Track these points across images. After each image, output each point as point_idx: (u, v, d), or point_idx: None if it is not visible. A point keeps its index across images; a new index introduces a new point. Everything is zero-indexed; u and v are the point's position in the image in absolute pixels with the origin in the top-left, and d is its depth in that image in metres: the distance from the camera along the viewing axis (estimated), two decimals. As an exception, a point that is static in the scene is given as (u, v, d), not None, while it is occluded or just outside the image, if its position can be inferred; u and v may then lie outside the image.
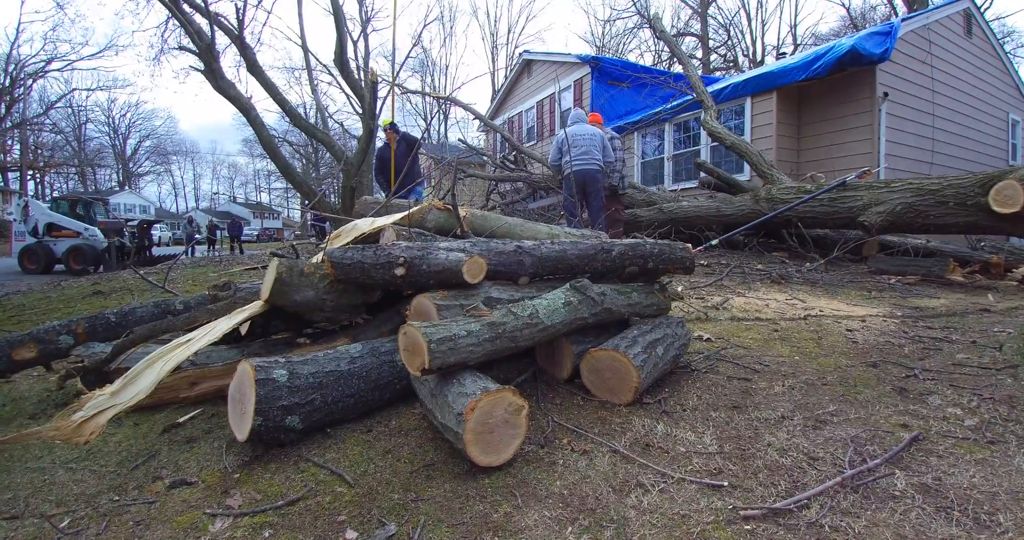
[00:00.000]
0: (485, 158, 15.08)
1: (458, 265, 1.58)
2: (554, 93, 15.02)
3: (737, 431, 1.46)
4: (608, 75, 12.93)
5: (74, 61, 30.27)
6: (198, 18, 7.32)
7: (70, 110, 40.22)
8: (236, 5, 7.07)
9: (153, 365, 1.39)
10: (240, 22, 7.18)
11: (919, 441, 1.37)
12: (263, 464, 1.35)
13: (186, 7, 7.24)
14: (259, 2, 13.31)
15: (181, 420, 1.59)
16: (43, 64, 29.97)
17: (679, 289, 3.50)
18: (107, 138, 52.83)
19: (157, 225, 20.42)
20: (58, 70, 30.96)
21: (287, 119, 10.11)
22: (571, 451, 1.37)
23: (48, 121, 37.54)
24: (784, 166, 8.21)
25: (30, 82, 30.95)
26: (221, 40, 7.93)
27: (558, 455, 1.36)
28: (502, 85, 19.15)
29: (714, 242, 4.95)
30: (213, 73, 6.92)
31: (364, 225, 2.05)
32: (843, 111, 7.52)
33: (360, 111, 9.80)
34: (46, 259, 12.00)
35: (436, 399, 1.38)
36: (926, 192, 4.42)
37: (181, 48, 6.90)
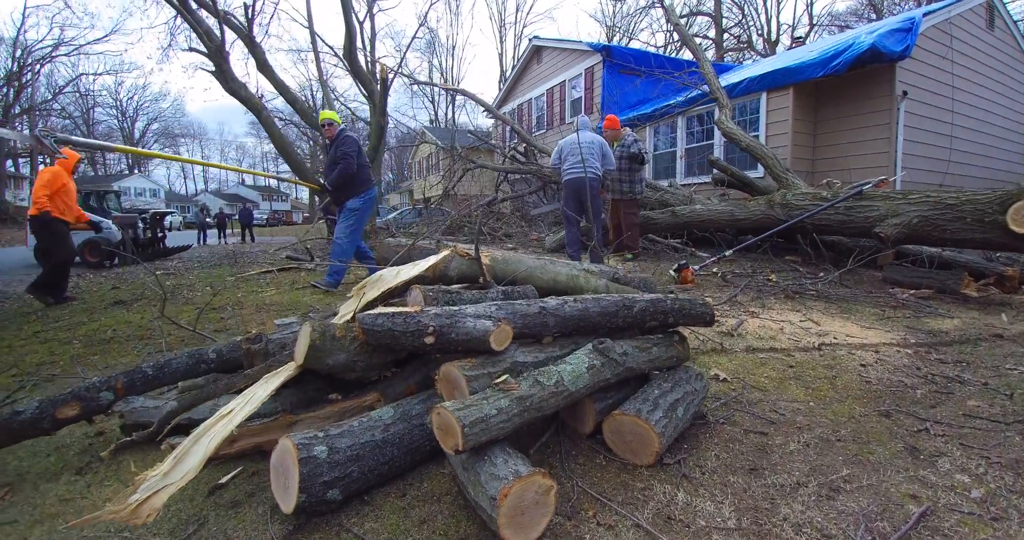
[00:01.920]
0: (495, 145, 14.92)
1: (485, 335, 1.64)
2: (564, 81, 14.80)
3: (754, 500, 1.53)
4: (620, 64, 12.72)
5: (81, 46, 30.11)
6: (206, 16, 7.25)
7: (78, 94, 40.14)
8: (245, 3, 6.98)
9: (199, 441, 1.47)
10: (249, 21, 7.11)
11: (927, 516, 1.43)
12: (306, 534, 1.44)
13: (193, 4, 7.17)
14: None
15: (223, 480, 1.68)
16: (50, 49, 29.84)
17: (693, 312, 3.53)
18: (115, 121, 52.78)
19: (168, 215, 20.52)
20: (65, 55, 30.81)
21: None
22: (596, 525, 1.44)
23: (57, 106, 37.54)
24: (800, 164, 8.12)
25: (38, 67, 30.87)
26: (229, 35, 7.86)
27: (584, 528, 1.43)
28: (511, 71, 18.85)
29: (728, 253, 4.97)
30: (224, 74, 6.88)
31: (389, 277, 2.10)
32: (860, 108, 7.39)
33: (368, 101, 9.75)
34: None
35: (468, 473, 1.45)
36: (943, 206, 4.38)
37: (191, 49, 6.86)
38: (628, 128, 6.24)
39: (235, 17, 7.43)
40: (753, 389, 2.31)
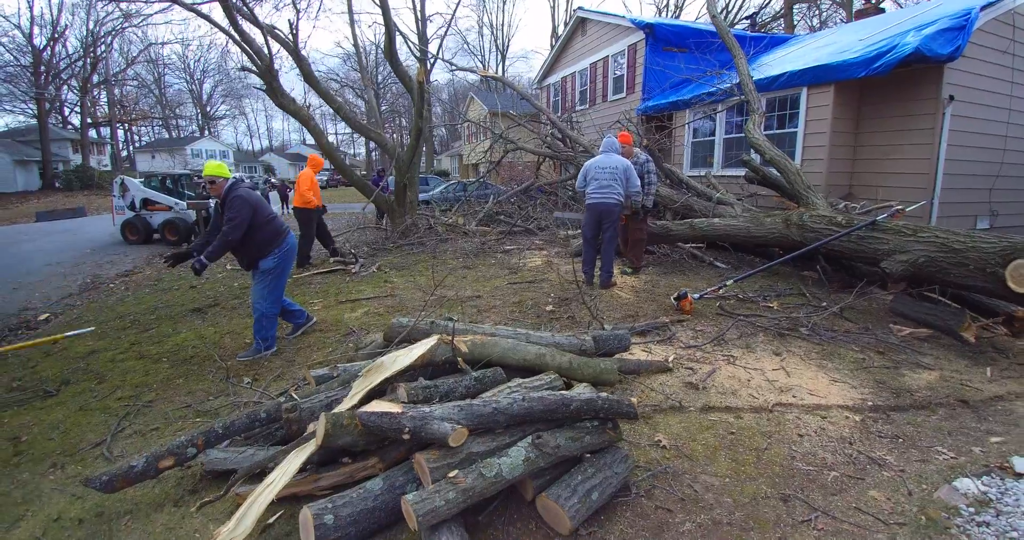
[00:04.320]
0: (537, 118, 14.94)
1: (445, 437, 2.20)
2: (608, 56, 14.48)
3: (637, 575, 2.05)
4: (663, 41, 12.34)
5: (148, 16, 31.72)
6: (251, 30, 7.79)
7: (148, 62, 42.65)
8: (289, 20, 7.44)
9: (252, 507, 2.16)
10: (294, 35, 7.59)
11: (763, 604, 1.91)
12: (319, 573, 2.12)
13: (239, 18, 7.70)
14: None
15: (271, 521, 2.40)
16: (120, 21, 31.70)
17: (670, 359, 3.96)
18: (184, 83, 55.52)
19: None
20: (135, 26, 32.67)
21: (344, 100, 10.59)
22: (514, 586, 2.03)
23: (131, 74, 40.08)
24: (838, 164, 7.93)
25: (110, 40, 32.99)
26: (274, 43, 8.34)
27: (505, 588, 2.02)
28: (558, 41, 18.46)
29: (729, 282, 5.21)
30: (274, 91, 7.50)
31: (388, 363, 2.69)
32: (903, 110, 7.03)
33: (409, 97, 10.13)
34: (145, 231, 13.86)
35: (426, 543, 2.07)
36: (950, 250, 4.43)
37: (244, 68, 7.47)
38: (639, 149, 6.36)
39: (280, 31, 7.93)
40: (685, 458, 2.77)
